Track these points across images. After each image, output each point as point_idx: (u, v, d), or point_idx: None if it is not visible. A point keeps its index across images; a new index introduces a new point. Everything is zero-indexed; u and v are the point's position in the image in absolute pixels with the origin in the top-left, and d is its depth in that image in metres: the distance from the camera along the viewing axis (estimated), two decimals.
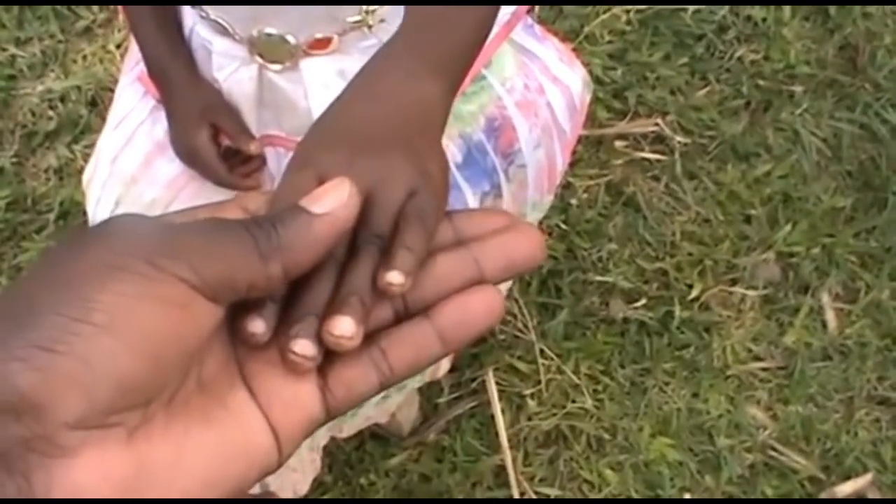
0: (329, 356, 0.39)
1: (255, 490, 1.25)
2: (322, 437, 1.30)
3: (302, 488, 1.29)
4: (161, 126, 1.05)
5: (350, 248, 0.42)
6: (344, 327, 0.38)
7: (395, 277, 0.40)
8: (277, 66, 0.98)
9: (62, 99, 1.99)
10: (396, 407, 1.54)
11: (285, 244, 0.37)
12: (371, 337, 0.40)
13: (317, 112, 0.98)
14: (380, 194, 0.45)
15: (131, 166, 1.07)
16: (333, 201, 0.39)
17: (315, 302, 0.40)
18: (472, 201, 1.10)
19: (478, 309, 0.41)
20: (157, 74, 1.04)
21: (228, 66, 1.00)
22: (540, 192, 1.19)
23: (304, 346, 0.38)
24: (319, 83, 0.97)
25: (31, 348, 0.31)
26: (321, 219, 0.38)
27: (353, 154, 0.47)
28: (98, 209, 1.10)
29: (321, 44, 0.96)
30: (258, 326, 0.38)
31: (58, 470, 0.31)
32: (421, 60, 0.54)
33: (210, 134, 1.01)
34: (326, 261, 0.40)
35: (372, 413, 1.32)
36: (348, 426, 1.34)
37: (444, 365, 1.38)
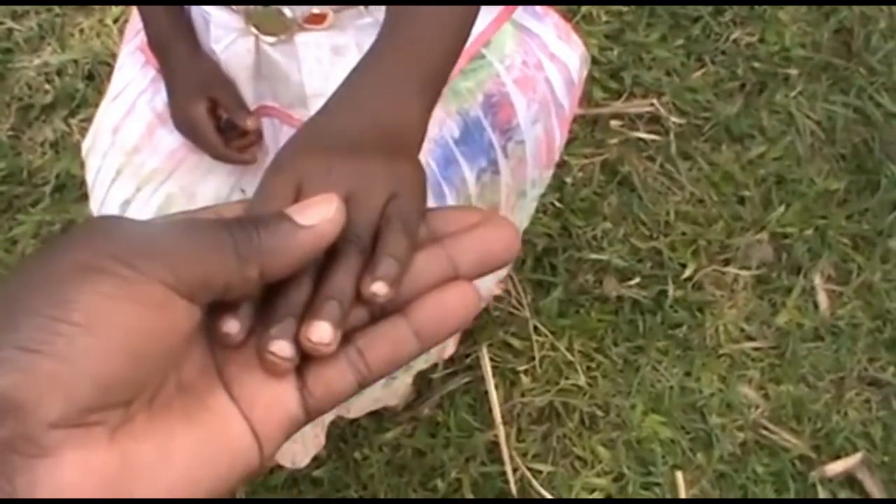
0: (306, 357, 0.39)
1: None
2: (329, 414, 1.29)
3: (301, 460, 1.28)
4: (161, 97, 1.05)
5: (329, 249, 0.41)
6: (322, 333, 0.38)
7: (380, 288, 0.40)
8: (272, 39, 0.97)
9: (59, 72, 1.97)
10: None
11: (265, 248, 0.37)
12: (347, 337, 0.40)
13: (309, 86, 0.98)
14: (360, 197, 0.44)
15: (133, 136, 1.07)
16: (320, 215, 0.38)
17: (293, 303, 0.39)
18: (470, 176, 1.09)
19: (454, 306, 0.41)
20: (157, 47, 1.04)
21: (226, 38, 1.00)
22: (539, 167, 1.18)
23: (281, 348, 0.38)
24: (313, 58, 0.97)
25: (12, 349, 0.31)
26: (305, 230, 0.38)
27: (331, 159, 0.46)
28: (98, 178, 1.09)
29: (317, 18, 0.95)
30: (233, 327, 0.38)
31: (41, 470, 0.30)
32: (404, 79, 0.54)
33: (207, 107, 1.01)
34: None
35: (379, 395, 1.31)
36: (356, 407, 1.33)
37: (451, 345, 1.36)
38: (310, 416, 0.39)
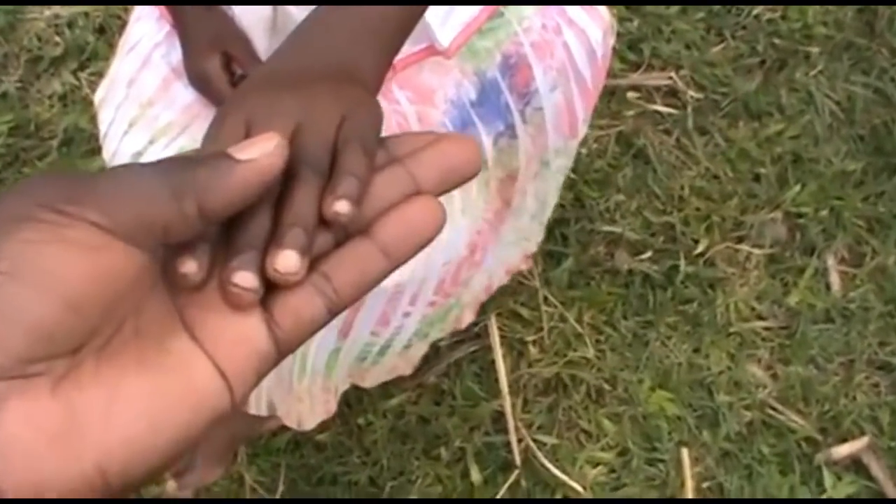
0: (271, 288, 0.38)
1: (263, 412, 1.25)
2: (342, 381, 1.30)
3: (307, 422, 1.29)
4: (177, 51, 1.06)
5: (286, 178, 0.41)
6: (288, 262, 0.38)
7: (342, 207, 0.39)
8: None
9: (69, 25, 1.98)
10: None
11: (201, 184, 0.36)
12: (312, 263, 0.39)
13: None
14: (310, 123, 0.44)
15: (148, 89, 1.07)
16: (259, 150, 0.37)
17: (253, 234, 0.39)
18: (486, 140, 1.10)
19: (418, 218, 0.40)
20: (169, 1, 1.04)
21: None
22: (561, 136, 1.18)
23: (244, 278, 0.37)
24: None
25: None
26: (243, 164, 0.37)
27: (277, 94, 0.47)
28: (110, 130, 1.10)
29: None
30: (190, 266, 0.37)
31: None
32: (353, 21, 0.55)
33: (222, 61, 1.01)
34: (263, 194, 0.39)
35: (396, 362, 1.31)
36: (371, 376, 1.34)
37: (468, 315, 1.37)
38: (281, 350, 0.38)
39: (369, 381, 1.36)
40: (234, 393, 0.36)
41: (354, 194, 0.40)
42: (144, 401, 0.34)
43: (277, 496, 1.63)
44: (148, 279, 0.36)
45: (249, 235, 0.38)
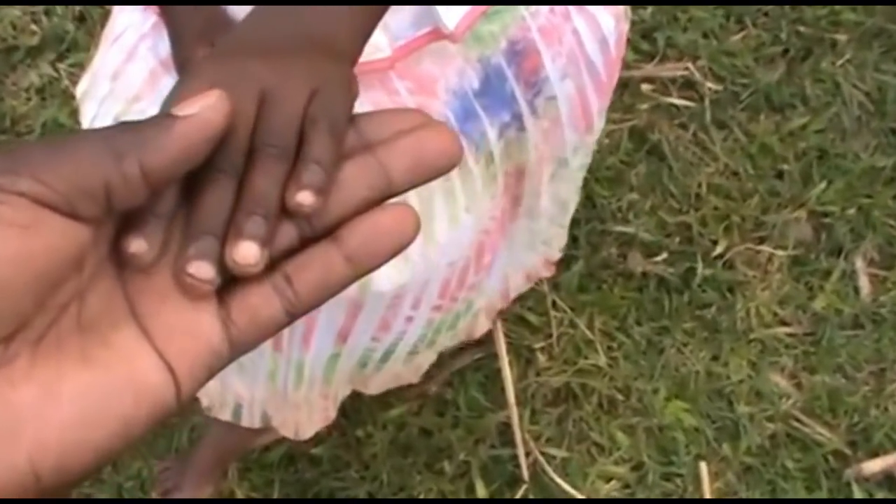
0: (229, 283, 0.38)
1: (257, 424, 1.24)
2: (342, 387, 1.30)
3: (304, 431, 1.29)
4: (165, 42, 1.04)
5: (249, 157, 0.40)
6: (248, 253, 0.38)
7: (305, 198, 0.39)
8: None
9: (47, 13, 1.98)
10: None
11: (141, 142, 0.35)
12: (274, 263, 0.39)
13: None
14: (277, 95, 0.43)
15: (135, 83, 1.07)
16: (199, 105, 0.37)
17: (211, 218, 0.38)
18: (491, 132, 1.09)
19: (389, 228, 0.40)
20: None
21: None
22: (577, 131, 1.17)
23: (200, 268, 0.37)
24: None
25: None
26: (183, 119, 0.37)
27: (245, 61, 0.45)
28: (95, 125, 1.10)
29: None
30: (139, 245, 0.37)
31: None
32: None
33: None
34: (222, 173, 0.39)
35: (401, 370, 1.31)
36: (374, 383, 1.34)
37: (483, 323, 1.37)
38: (234, 349, 0.38)
39: (373, 388, 1.36)
40: (182, 389, 0.36)
41: (319, 185, 0.40)
42: (82, 396, 0.33)
43: None
44: (91, 258, 0.36)
45: (207, 218, 0.38)
